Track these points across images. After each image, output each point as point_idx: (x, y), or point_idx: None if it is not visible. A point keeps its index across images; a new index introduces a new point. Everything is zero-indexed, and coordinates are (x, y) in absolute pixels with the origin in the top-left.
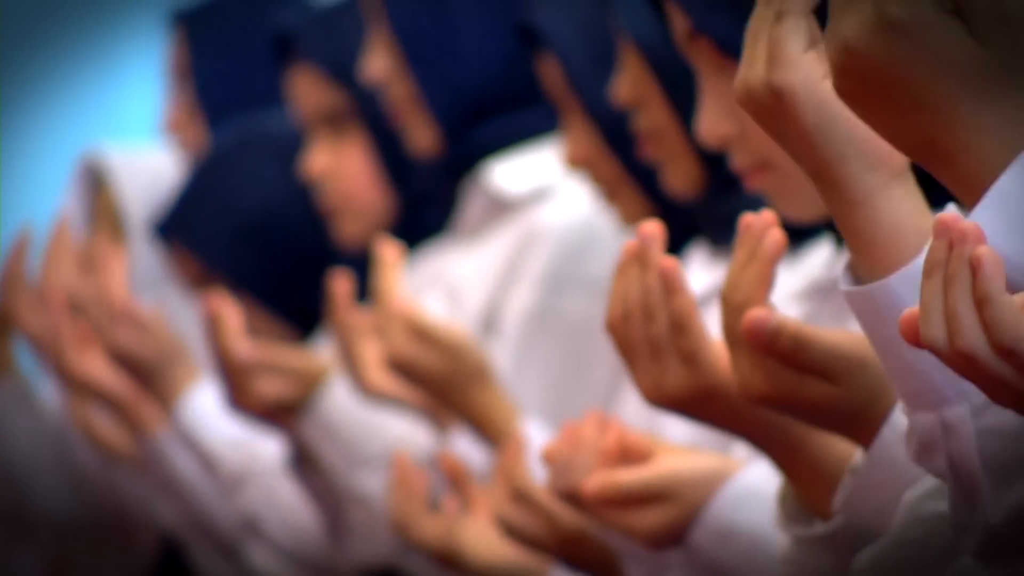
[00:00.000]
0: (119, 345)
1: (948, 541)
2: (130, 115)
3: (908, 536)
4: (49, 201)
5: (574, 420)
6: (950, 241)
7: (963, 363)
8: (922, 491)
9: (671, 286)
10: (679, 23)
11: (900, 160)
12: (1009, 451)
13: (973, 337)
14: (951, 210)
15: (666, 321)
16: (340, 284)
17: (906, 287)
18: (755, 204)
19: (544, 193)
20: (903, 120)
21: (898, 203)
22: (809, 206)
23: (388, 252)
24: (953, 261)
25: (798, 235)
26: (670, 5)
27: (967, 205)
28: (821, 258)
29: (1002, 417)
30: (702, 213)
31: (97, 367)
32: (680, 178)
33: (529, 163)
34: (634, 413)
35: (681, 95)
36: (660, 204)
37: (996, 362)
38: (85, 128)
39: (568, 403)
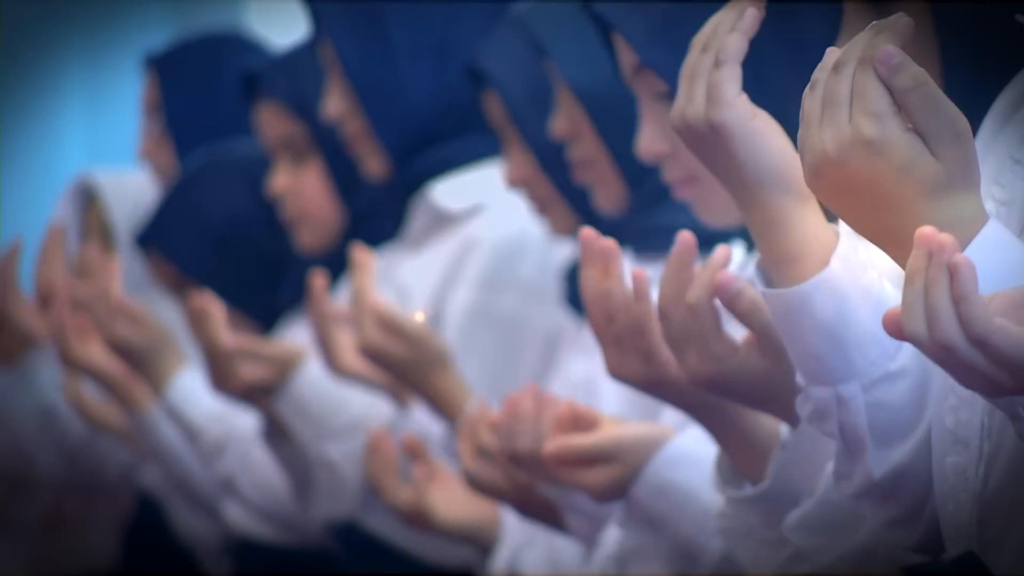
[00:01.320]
0: (117, 335)
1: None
2: (108, 143)
3: (830, 499)
4: (37, 216)
5: (514, 393)
6: (930, 251)
7: (941, 352)
8: None
9: (638, 294)
10: (627, 58)
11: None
12: (890, 420)
13: (951, 330)
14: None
15: (627, 322)
16: (318, 280)
17: (815, 292)
18: (672, 220)
19: (478, 209)
20: (869, 215)
21: (807, 222)
22: (725, 214)
23: (363, 257)
24: (933, 267)
25: (711, 239)
26: (619, 43)
27: None
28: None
29: (886, 393)
30: (627, 227)
31: (96, 354)
32: (608, 199)
33: (466, 183)
34: (560, 394)
35: (609, 129)
36: (587, 218)
37: (970, 352)
38: (65, 155)
39: (503, 386)
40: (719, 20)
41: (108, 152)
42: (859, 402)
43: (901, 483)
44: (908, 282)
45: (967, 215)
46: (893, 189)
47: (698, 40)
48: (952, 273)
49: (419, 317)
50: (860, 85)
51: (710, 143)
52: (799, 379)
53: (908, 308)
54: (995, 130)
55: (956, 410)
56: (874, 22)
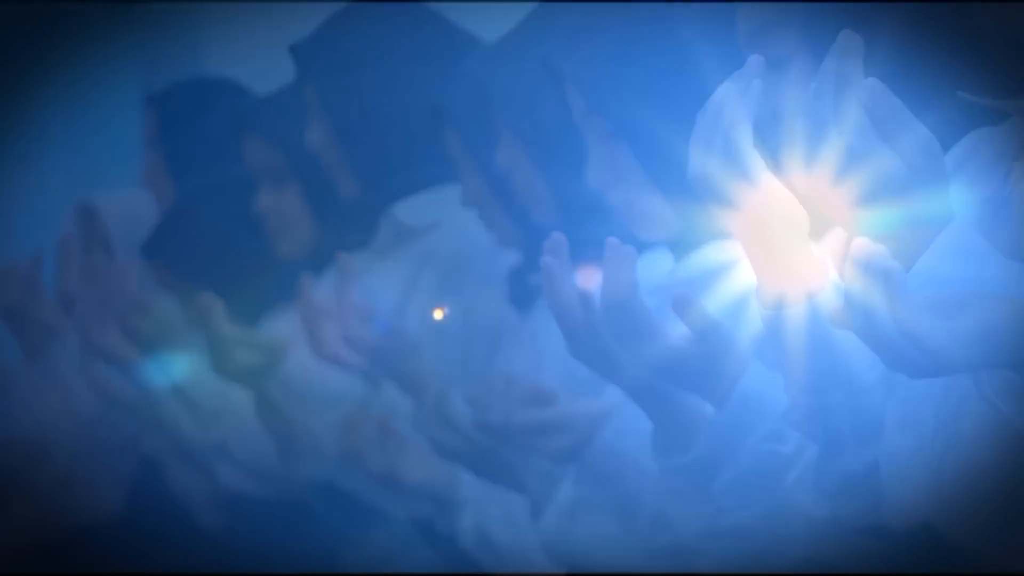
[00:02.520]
0: (131, 325)
1: (777, 469)
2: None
3: (750, 467)
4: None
5: (490, 376)
6: (867, 260)
7: (876, 342)
8: (760, 436)
9: (586, 303)
10: (576, 103)
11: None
12: (870, 424)
13: (884, 325)
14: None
15: (580, 321)
16: (306, 280)
17: (812, 313)
18: (598, 234)
19: (435, 225)
20: (852, 211)
21: (805, 255)
22: (656, 229)
23: (347, 262)
24: (869, 273)
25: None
26: (570, 90)
27: None
28: (661, 265)
29: (868, 400)
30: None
31: (114, 341)
32: (542, 214)
33: (425, 203)
34: None
35: (542, 158)
36: (527, 232)
37: (900, 342)
38: (48, 184)
39: (457, 372)
40: (728, 88)
41: (88, 180)
42: (843, 408)
43: (874, 478)
44: (848, 285)
45: (937, 213)
46: (873, 193)
47: (709, 106)
48: (885, 277)
49: (438, 315)
50: (844, 108)
51: (725, 191)
52: (787, 388)
53: (849, 307)
54: None
55: (907, 402)
56: (834, 46)
